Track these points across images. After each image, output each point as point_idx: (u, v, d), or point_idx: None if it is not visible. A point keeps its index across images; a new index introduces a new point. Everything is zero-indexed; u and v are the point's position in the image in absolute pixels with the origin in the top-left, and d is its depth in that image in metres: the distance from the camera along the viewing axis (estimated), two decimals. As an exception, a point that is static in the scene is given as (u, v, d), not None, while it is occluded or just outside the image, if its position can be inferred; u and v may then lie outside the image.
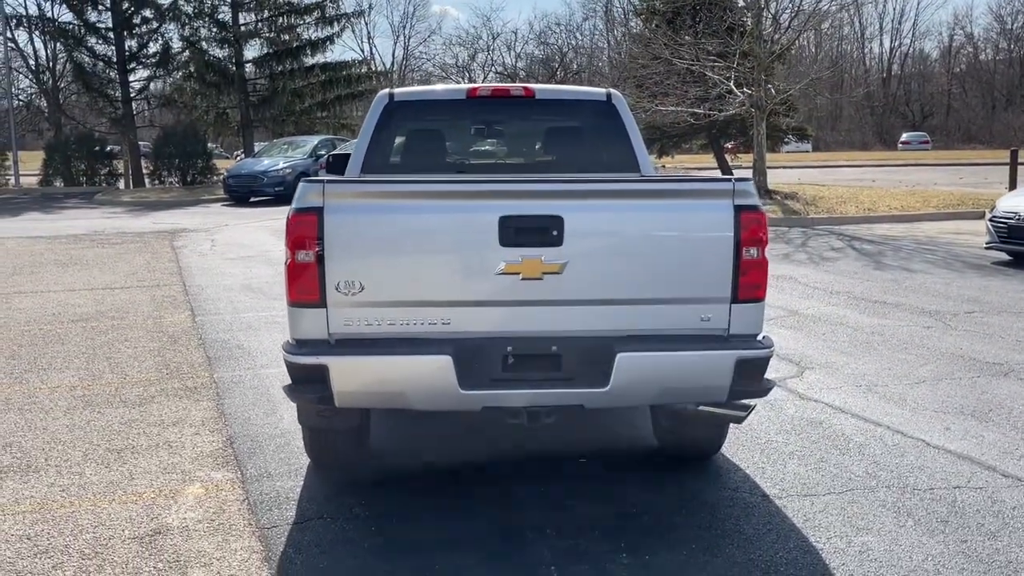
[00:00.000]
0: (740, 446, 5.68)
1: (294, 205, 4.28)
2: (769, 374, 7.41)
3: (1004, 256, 13.51)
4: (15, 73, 39.82)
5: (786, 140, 60.42)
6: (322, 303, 4.29)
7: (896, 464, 5.41)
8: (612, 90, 6.50)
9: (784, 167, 41.18)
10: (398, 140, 6.40)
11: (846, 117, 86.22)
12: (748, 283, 4.44)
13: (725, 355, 4.36)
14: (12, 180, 35.27)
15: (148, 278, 12.69)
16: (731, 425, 5.72)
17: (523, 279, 4.30)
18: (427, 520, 4.64)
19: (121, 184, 34.89)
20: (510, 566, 4.17)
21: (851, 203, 20.95)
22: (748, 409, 4.69)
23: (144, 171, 34.75)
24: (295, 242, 4.25)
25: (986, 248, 13.61)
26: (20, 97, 40.17)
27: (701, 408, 4.73)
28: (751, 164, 22.18)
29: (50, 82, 37.99)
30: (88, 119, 38.58)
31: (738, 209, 4.38)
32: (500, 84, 6.92)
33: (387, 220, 4.31)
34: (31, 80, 40.19)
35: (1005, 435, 5.90)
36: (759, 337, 4.53)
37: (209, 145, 36.21)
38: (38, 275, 13.04)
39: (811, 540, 4.42)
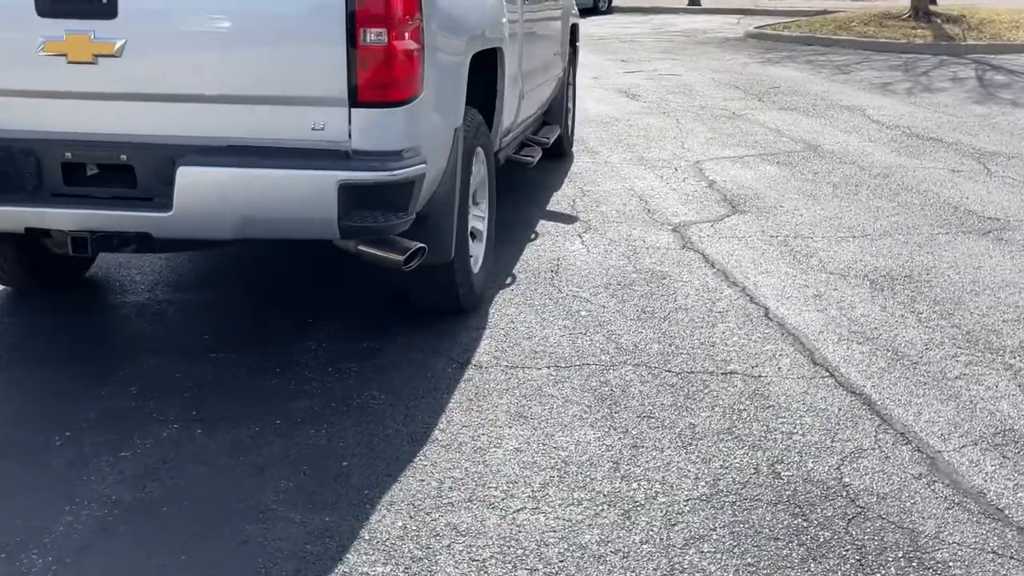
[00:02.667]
0: (527, 305, 4.59)
1: None
2: (694, 215, 6.13)
3: None
4: None
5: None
6: None
7: (686, 339, 4.15)
8: None
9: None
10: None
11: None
12: (372, 80, 3.25)
13: (321, 177, 3.24)
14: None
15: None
16: (545, 278, 4.61)
17: (71, 63, 3.28)
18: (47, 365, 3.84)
19: None
20: (47, 427, 3.32)
21: (1026, 29, 17.85)
22: (408, 251, 3.53)
23: None
24: None
25: None
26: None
27: (360, 248, 3.62)
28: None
29: None
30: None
31: (353, -27, 3.14)
32: None
33: None
34: None
35: (884, 308, 4.46)
36: (404, 156, 3.32)
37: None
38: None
39: (404, 427, 3.34)
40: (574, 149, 8.21)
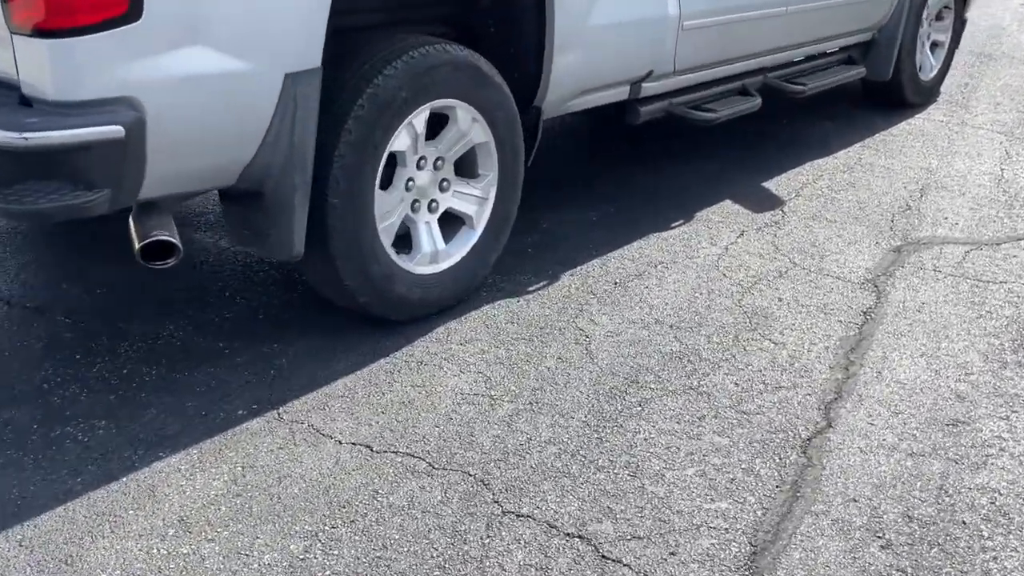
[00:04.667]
0: (495, 335, 3.29)
1: None
2: (966, 229, 4.24)
3: None
4: None
5: None
6: None
7: (602, 452, 2.61)
8: None
9: None
10: None
11: None
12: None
13: None
14: None
15: None
16: (588, 295, 3.37)
17: None
18: None
19: None
20: None
21: None
22: (144, 240, 2.55)
23: None
24: None
25: None
26: None
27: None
28: None
29: None
30: None
31: None
32: None
33: None
34: None
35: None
36: (85, 109, 2.32)
37: None
38: None
39: (24, 497, 2.37)
40: (942, 99, 6.00)
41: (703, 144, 5.02)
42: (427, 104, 3.00)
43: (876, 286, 3.52)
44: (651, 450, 2.56)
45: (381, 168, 2.94)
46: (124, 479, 2.45)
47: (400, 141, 2.98)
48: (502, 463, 2.50)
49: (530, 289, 3.46)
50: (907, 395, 2.82)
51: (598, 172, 4.67)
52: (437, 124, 3.15)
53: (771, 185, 4.52)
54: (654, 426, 2.67)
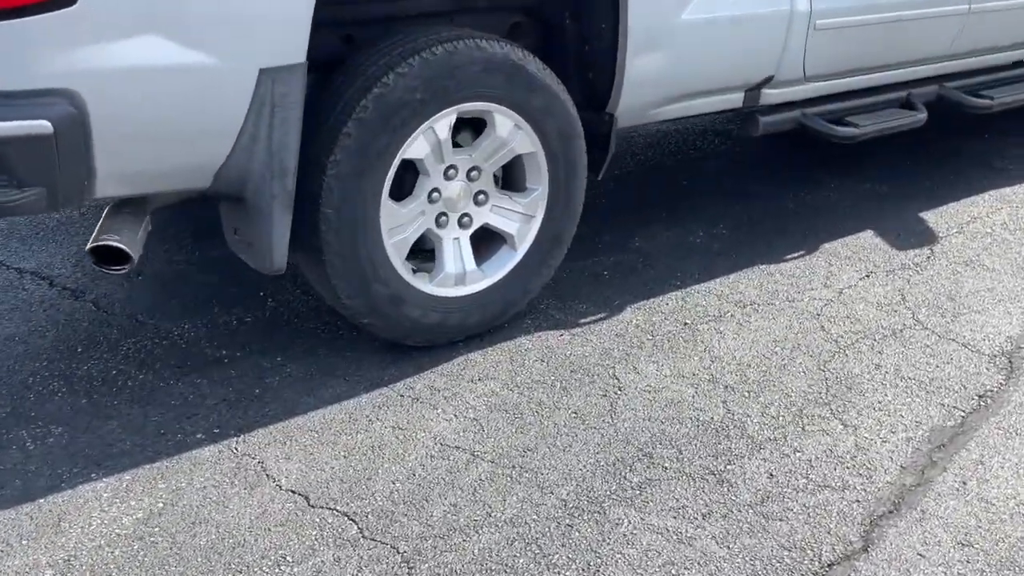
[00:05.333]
0: (516, 380, 2.87)
1: None
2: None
3: None
4: None
5: None
6: None
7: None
8: None
9: None
10: None
11: None
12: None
13: None
14: None
15: None
16: (646, 338, 3.03)
17: None
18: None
19: None
20: None
21: None
22: (94, 243, 2.41)
23: None
24: None
25: None
26: None
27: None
28: None
29: None
30: None
31: None
32: None
33: None
34: None
35: None
36: (13, 101, 2.17)
37: None
38: None
39: None
40: None
41: (856, 159, 4.34)
42: (451, 108, 2.63)
43: (1011, 362, 2.83)
44: (624, 551, 2.10)
45: (390, 177, 2.60)
46: (41, 501, 2.25)
47: (417, 148, 2.62)
48: (441, 542, 2.12)
49: (582, 322, 3.03)
50: (989, 520, 2.19)
51: (718, 185, 4.12)
52: (480, 130, 2.78)
53: (929, 216, 3.81)
54: (643, 518, 2.19)
